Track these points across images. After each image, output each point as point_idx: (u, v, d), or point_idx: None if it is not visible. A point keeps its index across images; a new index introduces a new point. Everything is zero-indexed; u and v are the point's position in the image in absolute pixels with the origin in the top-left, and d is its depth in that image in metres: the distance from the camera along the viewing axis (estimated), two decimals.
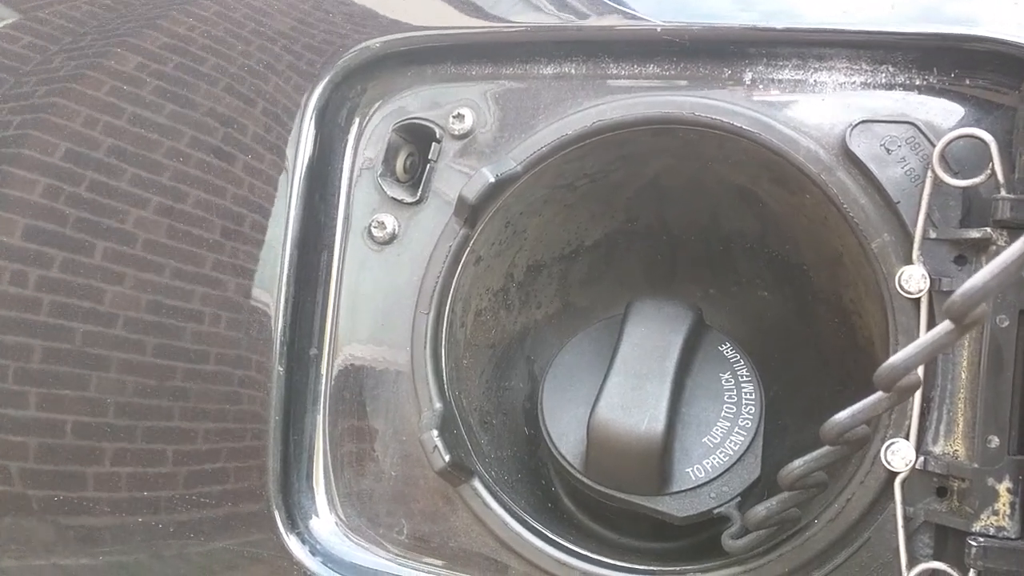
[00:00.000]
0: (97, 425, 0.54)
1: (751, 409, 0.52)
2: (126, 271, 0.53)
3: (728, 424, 0.52)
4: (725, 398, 0.53)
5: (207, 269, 0.53)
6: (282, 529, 0.51)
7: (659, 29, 0.48)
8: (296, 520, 0.52)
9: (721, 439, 0.52)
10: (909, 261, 0.45)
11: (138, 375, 0.53)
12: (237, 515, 0.52)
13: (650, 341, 0.52)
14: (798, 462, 0.41)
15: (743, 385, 0.53)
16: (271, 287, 0.52)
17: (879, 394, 0.36)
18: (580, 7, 0.50)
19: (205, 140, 0.54)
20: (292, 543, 0.51)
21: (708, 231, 0.60)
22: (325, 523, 0.53)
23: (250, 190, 0.53)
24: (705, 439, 0.52)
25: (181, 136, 0.54)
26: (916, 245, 0.44)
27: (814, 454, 0.41)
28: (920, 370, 0.43)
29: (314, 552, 0.52)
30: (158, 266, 0.53)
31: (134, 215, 0.54)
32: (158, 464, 0.53)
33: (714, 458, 0.51)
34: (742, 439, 0.52)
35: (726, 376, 0.54)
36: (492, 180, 0.50)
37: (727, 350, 0.55)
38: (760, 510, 0.44)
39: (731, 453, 0.51)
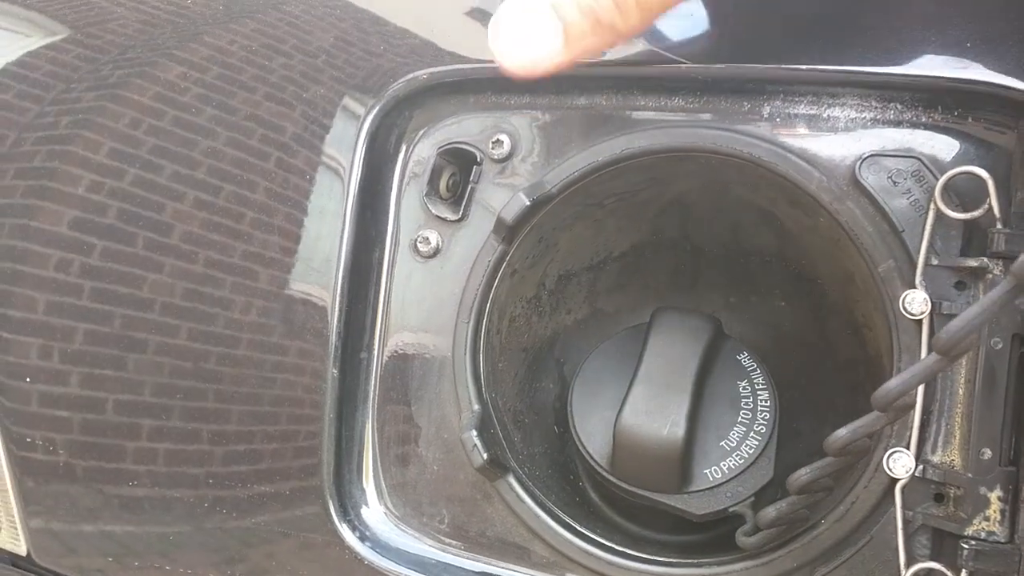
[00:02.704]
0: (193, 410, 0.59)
1: (766, 415, 0.57)
2: (192, 286, 0.58)
3: (744, 429, 0.56)
4: (742, 404, 0.57)
5: (265, 283, 0.58)
6: (335, 517, 0.57)
7: (684, 67, 0.51)
8: (348, 509, 0.57)
9: (737, 443, 0.56)
10: (913, 285, 0.48)
11: (207, 364, 0.59)
12: (293, 504, 0.58)
13: (672, 352, 0.56)
14: (804, 470, 0.45)
15: (759, 392, 0.57)
16: (327, 297, 0.57)
17: (876, 412, 0.40)
18: None
19: (261, 161, 0.59)
20: (344, 530, 0.56)
21: (729, 245, 0.64)
22: (374, 512, 0.58)
23: (308, 209, 0.58)
24: (722, 443, 0.56)
25: (241, 164, 0.59)
26: (919, 271, 0.48)
27: (819, 463, 0.45)
28: (920, 388, 0.47)
29: (363, 539, 0.57)
30: (218, 280, 0.58)
31: (191, 235, 0.59)
32: (216, 446, 0.59)
33: (730, 460, 0.55)
34: (757, 443, 0.56)
35: (743, 384, 0.58)
36: (528, 203, 0.54)
37: (744, 359, 0.59)
38: (771, 511, 0.48)
39: (746, 456, 0.55)
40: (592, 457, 0.58)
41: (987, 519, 0.46)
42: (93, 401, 0.61)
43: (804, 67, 0.50)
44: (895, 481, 0.48)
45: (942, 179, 0.47)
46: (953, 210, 0.47)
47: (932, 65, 0.48)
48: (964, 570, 0.46)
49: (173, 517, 0.61)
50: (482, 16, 0.57)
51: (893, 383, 0.37)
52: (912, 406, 0.40)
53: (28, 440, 0.62)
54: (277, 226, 0.58)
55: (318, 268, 0.57)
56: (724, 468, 0.55)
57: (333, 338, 0.57)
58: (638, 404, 0.55)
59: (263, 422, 0.58)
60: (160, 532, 0.61)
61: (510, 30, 0.45)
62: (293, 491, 0.58)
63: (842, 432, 0.42)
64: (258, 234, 0.58)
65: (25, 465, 0.63)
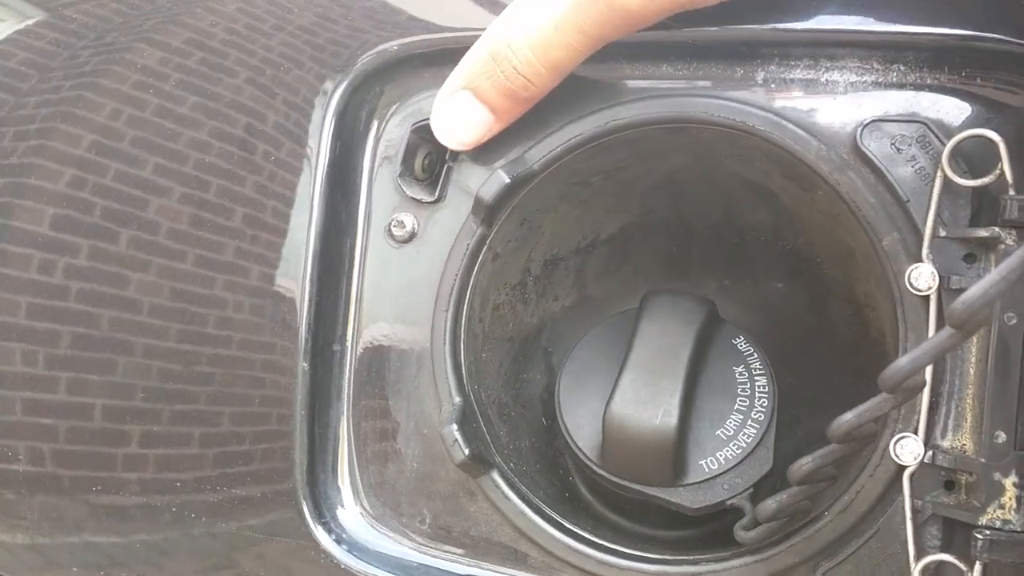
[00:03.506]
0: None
1: (764, 402, 0.54)
2: (156, 278, 0.55)
3: (741, 417, 0.53)
4: (738, 391, 0.54)
5: (228, 274, 0.55)
6: (309, 520, 0.53)
7: (672, 31, 0.48)
8: (323, 510, 0.54)
9: (734, 432, 0.53)
10: (919, 259, 0.45)
11: (165, 360, 0.55)
12: (265, 506, 0.54)
13: (664, 337, 0.53)
14: (806, 459, 0.42)
15: (756, 378, 0.54)
16: (295, 286, 0.54)
17: (884, 395, 0.37)
18: None
19: (225, 144, 0.56)
20: (319, 533, 0.53)
21: (723, 224, 0.61)
22: (350, 513, 0.54)
23: (273, 195, 0.54)
24: (719, 432, 0.53)
25: (207, 146, 0.56)
26: (926, 243, 0.45)
27: (822, 451, 0.42)
28: (928, 368, 0.44)
29: (340, 541, 0.53)
30: (174, 271, 0.55)
31: (155, 217, 0.56)
32: (184, 448, 0.56)
33: (727, 450, 0.52)
34: (755, 431, 0.53)
35: (739, 369, 0.55)
36: (508, 181, 0.51)
37: (741, 343, 0.56)
38: (771, 503, 0.45)
39: (744, 445, 0.52)
40: (581, 450, 0.55)
41: (1002, 507, 0.43)
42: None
43: (800, 27, 0.47)
44: (902, 468, 0.45)
45: (950, 144, 0.44)
46: (962, 177, 0.44)
47: (937, 22, 0.44)
48: (978, 562, 0.43)
49: (147, 525, 0.58)
50: None
51: (903, 361, 0.34)
52: (922, 386, 0.37)
53: None
54: (240, 213, 0.55)
55: (285, 256, 0.54)
56: (720, 459, 0.52)
57: (303, 330, 0.53)
58: (628, 392, 0.52)
59: (231, 422, 0.55)
60: (138, 540, 0.58)
61: (446, 118, 0.50)
62: (265, 493, 0.55)
63: (847, 416, 0.39)
64: (220, 222, 0.55)
65: None
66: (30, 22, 0.65)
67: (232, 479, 0.55)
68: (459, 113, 0.49)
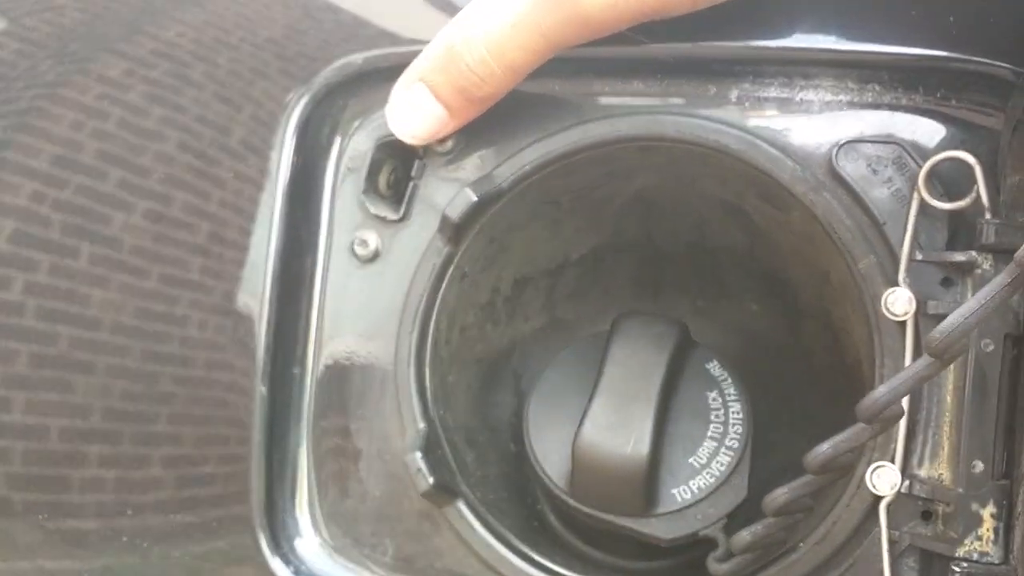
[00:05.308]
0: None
1: (738, 429, 0.52)
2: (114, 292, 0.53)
3: (715, 444, 0.52)
4: (712, 417, 0.53)
5: (183, 292, 0.53)
6: (266, 550, 0.51)
7: (644, 46, 0.47)
8: (280, 540, 0.52)
9: (708, 459, 0.51)
10: (895, 283, 0.44)
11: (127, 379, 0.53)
12: (220, 537, 0.52)
13: (635, 361, 0.52)
14: (782, 489, 0.41)
15: (730, 404, 0.53)
16: (254, 306, 0.52)
17: (861, 425, 0.36)
18: None
19: (186, 157, 0.54)
20: (276, 564, 0.51)
21: (695, 245, 0.59)
22: (309, 544, 0.52)
23: (230, 210, 0.52)
24: (692, 459, 0.51)
25: (169, 159, 0.54)
26: (902, 267, 0.44)
27: (798, 482, 0.40)
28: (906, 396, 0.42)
29: (298, 573, 0.51)
30: (130, 288, 0.53)
31: (115, 232, 0.54)
32: (142, 470, 0.53)
33: (700, 479, 0.51)
34: (729, 459, 0.51)
35: (713, 395, 0.53)
36: (475, 199, 0.49)
37: (714, 367, 0.54)
38: (745, 535, 0.44)
39: (718, 474, 0.51)
40: (549, 478, 0.53)
41: (979, 538, 0.42)
42: None
43: (774, 45, 0.46)
44: (879, 498, 0.44)
45: (926, 166, 0.43)
46: (938, 199, 0.43)
47: (913, 42, 0.44)
48: None
49: (92, 551, 0.55)
50: None
51: (880, 391, 0.33)
52: (900, 416, 0.35)
53: None
54: (198, 228, 0.53)
55: (242, 275, 0.52)
56: (694, 487, 0.51)
57: (261, 352, 0.51)
58: (599, 418, 0.50)
59: (185, 445, 0.52)
60: (94, 565, 0.55)
61: (401, 113, 0.49)
62: (219, 522, 0.52)
63: (824, 447, 0.37)
64: (177, 237, 0.53)
65: None
66: None
67: (182, 507, 0.53)
68: (412, 106, 0.48)
